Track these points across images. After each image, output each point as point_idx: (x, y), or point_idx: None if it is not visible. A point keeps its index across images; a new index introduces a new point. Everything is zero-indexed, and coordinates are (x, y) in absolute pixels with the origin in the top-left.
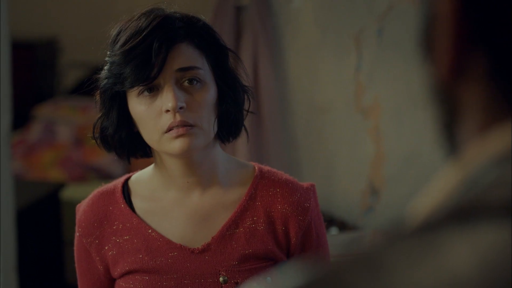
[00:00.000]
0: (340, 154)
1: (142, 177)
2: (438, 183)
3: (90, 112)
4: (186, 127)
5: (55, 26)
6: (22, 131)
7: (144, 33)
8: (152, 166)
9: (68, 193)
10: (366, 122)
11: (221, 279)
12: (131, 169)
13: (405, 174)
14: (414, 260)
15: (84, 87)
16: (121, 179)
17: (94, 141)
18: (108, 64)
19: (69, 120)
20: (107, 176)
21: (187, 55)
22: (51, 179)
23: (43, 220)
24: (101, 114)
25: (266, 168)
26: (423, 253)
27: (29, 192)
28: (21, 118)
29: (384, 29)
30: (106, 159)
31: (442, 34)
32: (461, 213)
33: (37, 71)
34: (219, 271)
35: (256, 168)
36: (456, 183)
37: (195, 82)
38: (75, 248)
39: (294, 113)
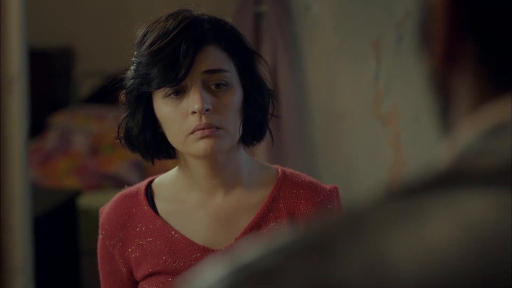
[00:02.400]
0: (359, 160)
1: (166, 180)
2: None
3: (106, 121)
4: (212, 128)
5: (71, 35)
6: (38, 139)
7: (172, 34)
8: (175, 169)
9: (84, 201)
10: (385, 129)
11: None
12: (147, 177)
13: None
14: (394, 226)
15: (109, 86)
16: (144, 182)
17: (118, 140)
18: (135, 64)
19: (85, 129)
20: (123, 185)
21: (214, 58)
22: (67, 187)
23: (60, 228)
24: (126, 114)
25: (289, 170)
26: (404, 220)
27: (45, 200)
28: (37, 127)
29: (403, 36)
30: (122, 167)
31: (436, 25)
32: (443, 181)
33: (53, 80)
34: None
35: (279, 170)
36: (447, 157)
37: (221, 85)
38: (98, 250)
39: (313, 119)
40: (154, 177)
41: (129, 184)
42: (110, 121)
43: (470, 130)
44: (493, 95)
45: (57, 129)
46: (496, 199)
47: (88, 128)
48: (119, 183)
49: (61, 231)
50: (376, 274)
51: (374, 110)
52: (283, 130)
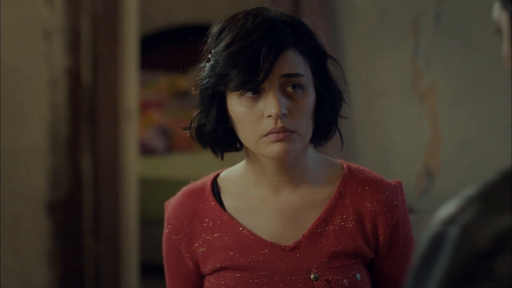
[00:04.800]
0: (397, 138)
1: (232, 175)
2: None
3: None
4: (286, 133)
5: None
6: None
7: (253, 37)
8: (241, 163)
9: None
10: (423, 106)
11: (312, 276)
12: (172, 146)
13: (461, 158)
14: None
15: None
16: (210, 177)
17: (189, 134)
18: (212, 62)
19: None
20: (149, 151)
21: (292, 62)
22: None
23: None
24: (199, 110)
25: (354, 166)
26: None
27: None
28: None
29: (442, 13)
30: (147, 134)
31: None
32: None
33: None
34: (310, 268)
35: (345, 166)
36: None
37: (297, 88)
38: (163, 244)
39: (352, 97)
40: (219, 171)
41: (155, 151)
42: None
43: None
44: None
45: None
46: None
47: None
48: (145, 150)
49: None
50: None
51: (412, 88)
52: None
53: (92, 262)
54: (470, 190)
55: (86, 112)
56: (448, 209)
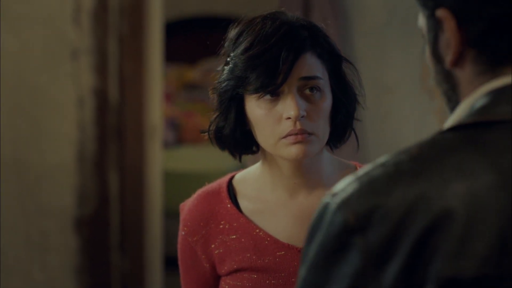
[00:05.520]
0: (406, 134)
1: (247, 177)
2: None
3: None
4: (305, 135)
5: None
6: None
7: (272, 40)
8: (256, 166)
9: None
10: (432, 102)
11: None
12: (181, 138)
13: None
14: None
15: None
16: (225, 179)
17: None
18: (231, 66)
19: None
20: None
21: (310, 65)
22: None
23: None
24: (218, 113)
25: None
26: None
27: None
28: None
29: None
30: None
31: (447, 42)
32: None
33: None
34: None
35: (358, 168)
36: (460, 114)
37: (315, 90)
38: (179, 246)
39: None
40: (234, 173)
41: (164, 143)
42: None
43: (470, 98)
44: (484, 81)
45: None
46: None
47: None
48: None
49: None
50: (414, 205)
51: (421, 84)
52: None
53: (118, 276)
54: (364, 168)
55: (113, 130)
56: (340, 183)
